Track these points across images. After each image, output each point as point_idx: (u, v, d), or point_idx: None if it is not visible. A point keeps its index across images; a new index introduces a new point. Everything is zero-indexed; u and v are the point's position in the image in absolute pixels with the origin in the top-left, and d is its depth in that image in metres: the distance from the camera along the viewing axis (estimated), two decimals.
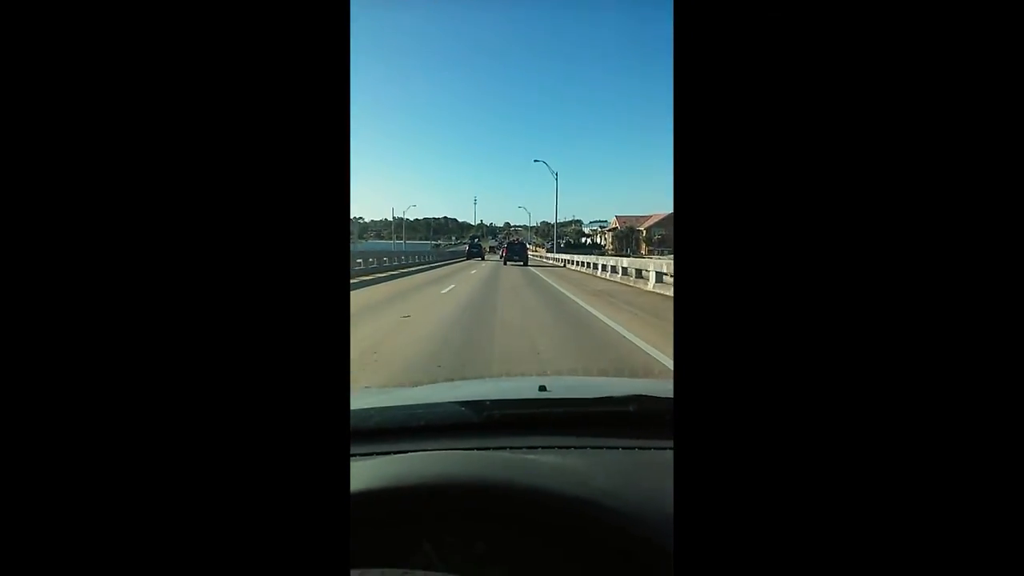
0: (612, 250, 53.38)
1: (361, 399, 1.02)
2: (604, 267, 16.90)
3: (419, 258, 25.15)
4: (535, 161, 33.56)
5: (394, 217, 62.37)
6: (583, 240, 70.59)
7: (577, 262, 21.92)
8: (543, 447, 0.72)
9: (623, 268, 14.84)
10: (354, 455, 0.64)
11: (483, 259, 32.51)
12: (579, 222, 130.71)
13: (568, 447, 0.72)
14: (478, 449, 0.68)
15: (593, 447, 0.72)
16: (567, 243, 69.90)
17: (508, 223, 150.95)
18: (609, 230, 62.57)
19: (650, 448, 0.71)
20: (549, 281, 14.28)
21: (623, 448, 0.71)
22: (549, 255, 36.24)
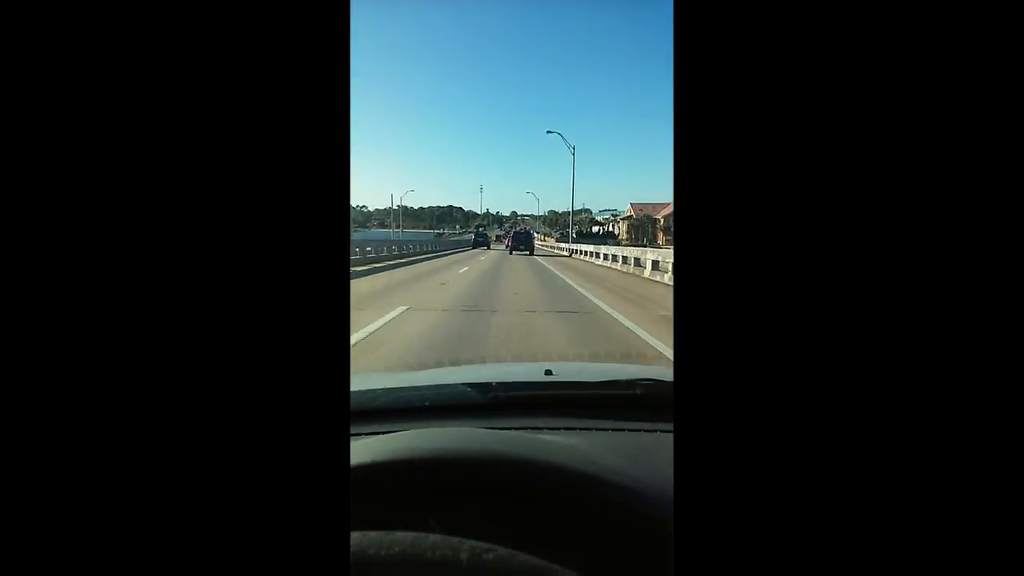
0: (627, 240, 47.58)
1: (367, 380, 1.02)
2: (656, 264, 11.02)
3: (414, 247, 21.54)
4: (548, 132, 28.05)
5: (393, 205, 56.34)
6: (595, 229, 64.43)
7: (602, 255, 16.29)
8: (549, 428, 0.71)
9: None
10: (360, 435, 0.63)
11: (489, 248, 31.11)
12: (588, 211, 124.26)
13: (574, 428, 0.71)
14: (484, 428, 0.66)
15: (599, 429, 0.71)
16: (579, 232, 64.18)
17: (515, 212, 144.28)
18: (623, 218, 56.64)
19: (656, 431, 0.71)
20: (580, 290, 8.47)
21: (629, 430, 0.71)
22: (561, 244, 30.68)
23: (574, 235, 39.41)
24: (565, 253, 24.66)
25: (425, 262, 15.94)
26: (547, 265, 14.39)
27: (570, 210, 29.83)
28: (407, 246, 21.40)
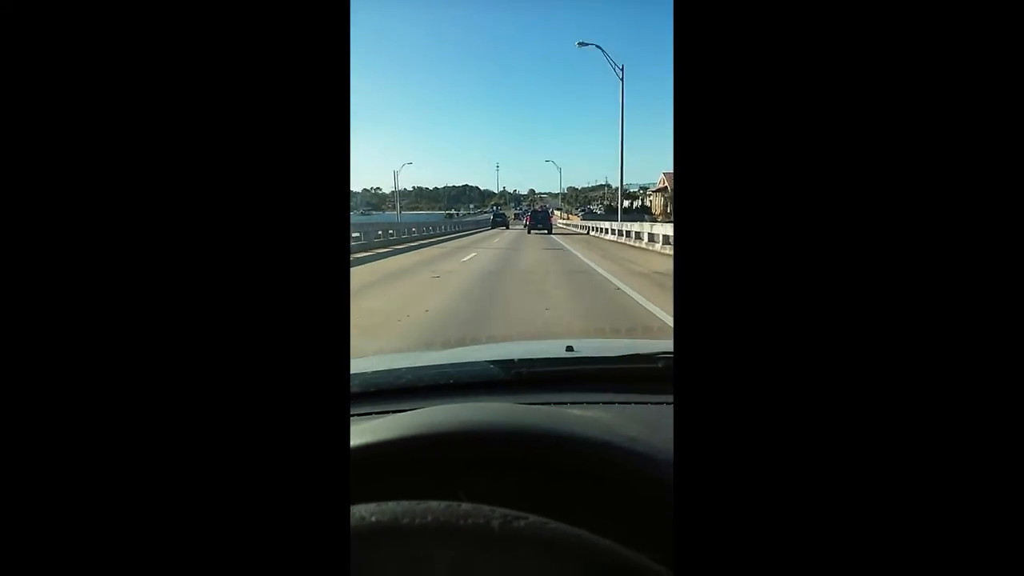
0: (663, 216, 39.39)
1: (391, 360, 1.01)
2: None
3: (412, 232, 17.48)
4: (581, 45, 17.90)
5: (396, 184, 48.43)
6: (625, 204, 55.93)
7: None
8: (572, 403, 0.70)
9: None
10: (387, 412, 0.64)
11: (508, 227, 30.79)
12: (608, 186, 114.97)
13: (597, 402, 0.70)
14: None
15: (622, 402, 0.70)
16: (607, 208, 56.10)
17: (532, 190, 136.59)
18: (656, 191, 48.33)
19: None
20: None
21: (651, 403, 0.69)
22: (590, 223, 23.30)
23: (597, 212, 31.49)
24: (612, 236, 18.33)
25: (388, 258, 9.23)
26: (600, 272, 6.71)
27: (620, 160, 19.42)
28: (416, 229, 18.16)
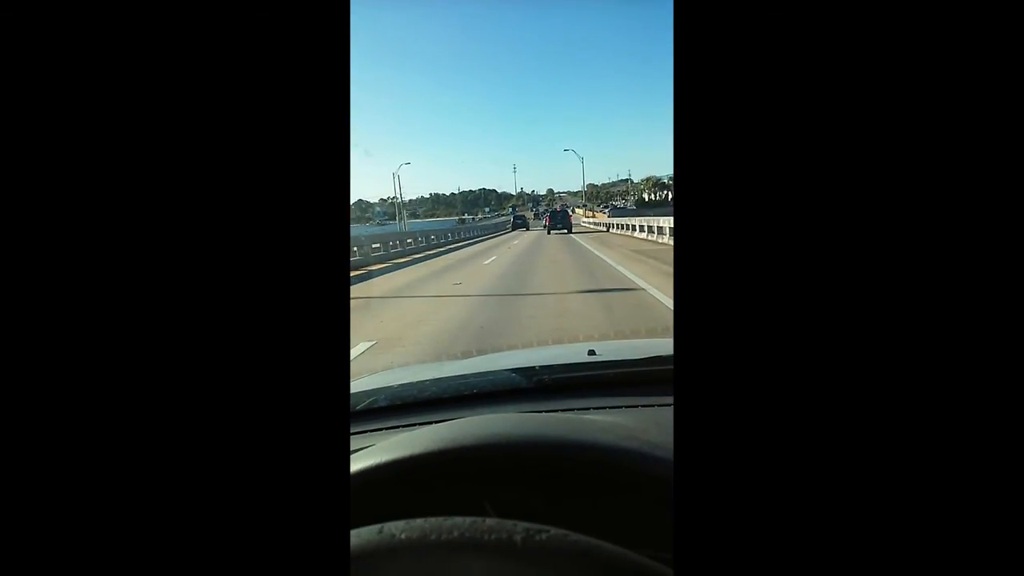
0: None
1: (415, 372, 1.03)
2: None
3: (402, 244, 14.64)
4: None
5: (397, 189, 43.41)
6: (660, 195, 49.98)
7: None
8: (595, 408, 0.70)
9: None
10: (413, 425, 0.66)
11: (527, 229, 31.25)
12: (629, 180, 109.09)
13: (619, 407, 0.70)
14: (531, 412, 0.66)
15: (644, 405, 0.69)
16: (638, 202, 50.87)
17: (551, 189, 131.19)
18: None
19: None
20: None
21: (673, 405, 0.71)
22: (655, 219, 18.36)
23: (624, 206, 26.75)
24: (645, 236, 14.51)
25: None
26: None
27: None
28: (413, 240, 16.32)
